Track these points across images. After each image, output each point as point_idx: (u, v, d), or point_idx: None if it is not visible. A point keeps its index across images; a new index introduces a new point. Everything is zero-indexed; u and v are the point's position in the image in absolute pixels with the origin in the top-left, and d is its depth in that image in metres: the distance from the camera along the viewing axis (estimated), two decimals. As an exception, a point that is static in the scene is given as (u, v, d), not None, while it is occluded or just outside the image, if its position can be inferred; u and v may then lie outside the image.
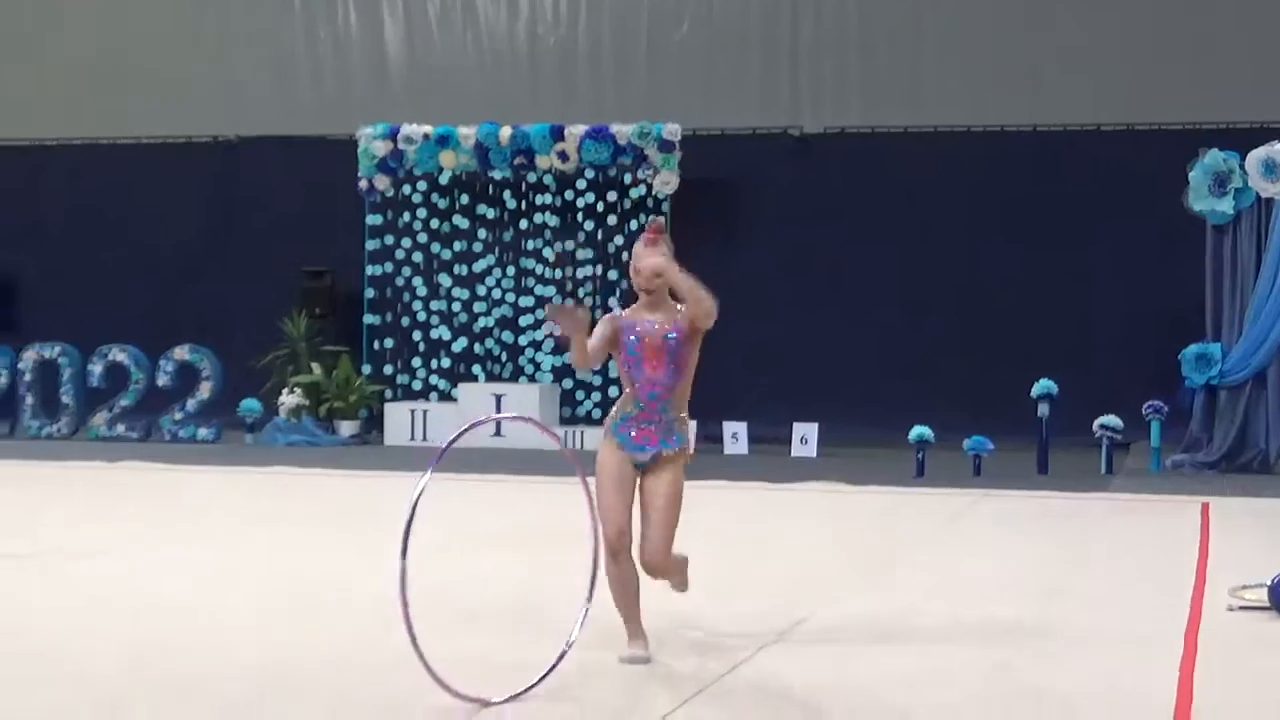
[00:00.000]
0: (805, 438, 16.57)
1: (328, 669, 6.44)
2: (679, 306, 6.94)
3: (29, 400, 18.82)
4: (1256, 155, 15.07)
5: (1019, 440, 15.25)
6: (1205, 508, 12.08)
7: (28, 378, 18.78)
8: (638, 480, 6.76)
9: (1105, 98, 18.54)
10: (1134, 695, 6.16)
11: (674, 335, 6.88)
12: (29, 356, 18.80)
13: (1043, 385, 15.10)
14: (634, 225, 18.27)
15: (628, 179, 18.33)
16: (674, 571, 7.10)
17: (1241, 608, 7.75)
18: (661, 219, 6.35)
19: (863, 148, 18.26)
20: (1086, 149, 17.49)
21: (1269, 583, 7.68)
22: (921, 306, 17.55)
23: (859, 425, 16.57)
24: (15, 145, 20.53)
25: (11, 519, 11.54)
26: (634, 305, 6.98)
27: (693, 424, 7.34)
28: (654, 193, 18.14)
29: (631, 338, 6.82)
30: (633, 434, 6.78)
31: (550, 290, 18.56)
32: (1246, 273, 15.23)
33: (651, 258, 6.95)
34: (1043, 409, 15.08)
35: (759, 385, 17.41)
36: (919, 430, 14.80)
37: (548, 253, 18.66)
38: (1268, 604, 7.62)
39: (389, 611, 5.81)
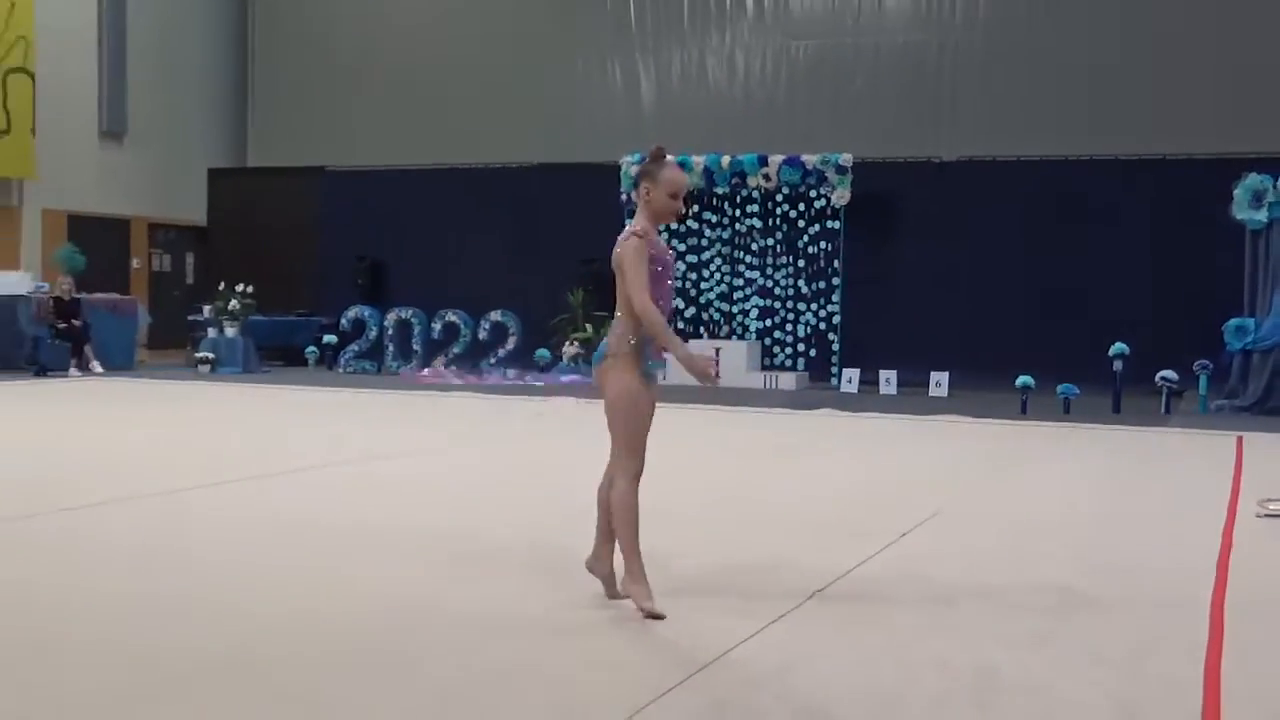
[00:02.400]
0: (939, 382, 16.40)
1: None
2: None
3: (390, 347, 19.34)
4: None
5: (1098, 387, 14.99)
6: (1240, 440, 11.82)
7: (390, 332, 19.30)
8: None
9: (1170, 132, 18.18)
10: (1184, 567, 6.16)
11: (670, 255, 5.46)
12: (391, 317, 19.33)
13: (1118, 347, 14.94)
14: (817, 228, 18.21)
15: (813, 194, 18.22)
16: None
17: (1265, 515, 7.63)
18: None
19: (984, 171, 18.02)
20: (1154, 172, 17.10)
21: None
22: (1027, 288, 17.31)
23: (979, 374, 16.37)
24: (386, 169, 21.07)
25: (381, 427, 11.96)
26: (646, 227, 5.30)
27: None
28: (832, 204, 18.02)
29: (659, 268, 5.28)
30: (656, 356, 5.34)
31: (755, 275, 18.58)
32: (1276, 266, 15.00)
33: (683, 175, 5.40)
34: (1117, 364, 14.90)
35: (906, 343, 17.21)
36: (1023, 378, 14.63)
37: (754, 247, 18.67)
38: (1287, 514, 7.51)
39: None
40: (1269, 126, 17.66)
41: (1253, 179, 14.95)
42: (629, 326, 5.22)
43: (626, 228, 5.31)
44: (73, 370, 17.76)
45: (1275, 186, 14.81)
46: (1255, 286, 15.10)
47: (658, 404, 5.32)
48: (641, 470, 5.20)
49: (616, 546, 5.22)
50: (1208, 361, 14.98)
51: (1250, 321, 14.95)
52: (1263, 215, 14.93)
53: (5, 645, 4.58)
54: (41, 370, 17.58)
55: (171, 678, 4.23)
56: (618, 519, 5.15)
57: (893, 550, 6.54)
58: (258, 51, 25.03)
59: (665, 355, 5.43)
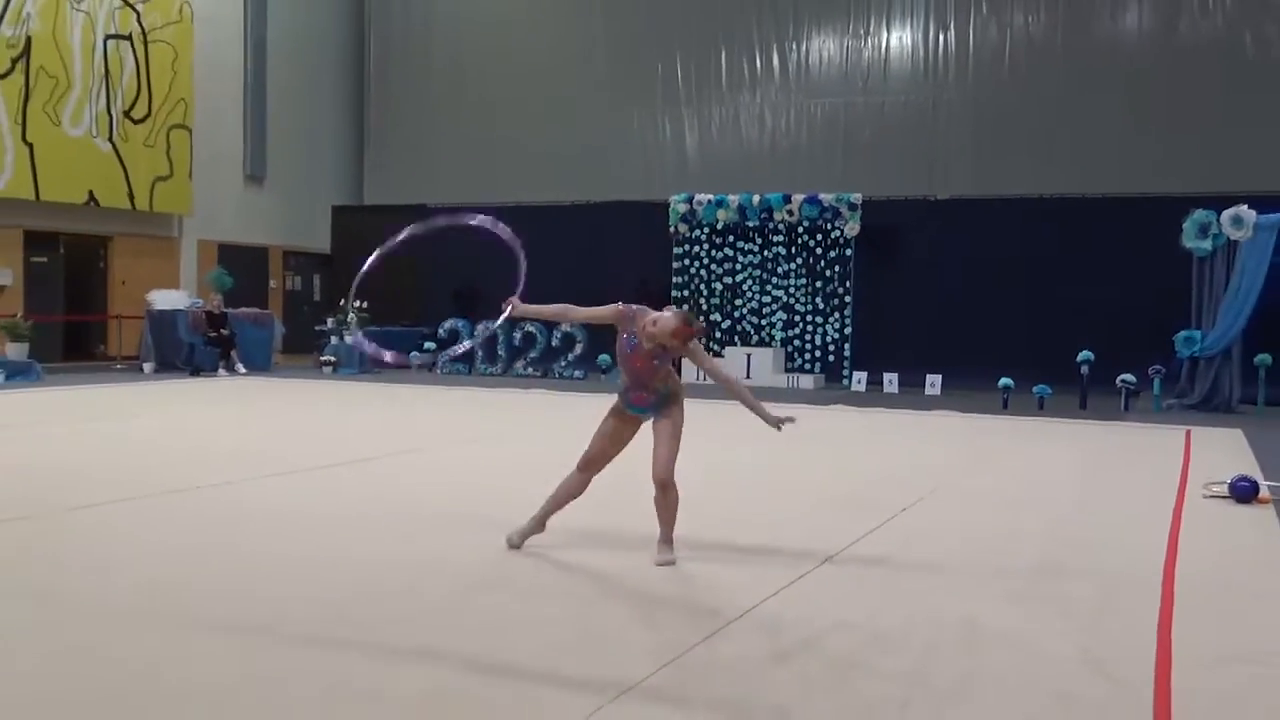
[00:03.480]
0: (934, 383, 16.27)
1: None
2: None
3: (479, 353, 19.43)
4: (1227, 213, 14.57)
5: (1068, 388, 14.83)
6: (1188, 433, 11.65)
7: (479, 340, 19.36)
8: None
9: (1128, 175, 18.02)
10: (1140, 539, 6.09)
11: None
12: (479, 327, 19.38)
13: (1084, 354, 14.79)
14: (832, 255, 18.14)
15: (829, 227, 18.14)
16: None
17: (1210, 496, 7.53)
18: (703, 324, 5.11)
19: (971, 207, 17.85)
20: (1115, 208, 16.90)
21: (1228, 481, 7.49)
22: (1008, 303, 17.11)
23: (967, 376, 16.21)
24: (476, 205, 21.19)
25: (471, 419, 12.00)
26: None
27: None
28: (844, 235, 17.93)
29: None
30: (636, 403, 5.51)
31: (780, 293, 18.53)
32: (1218, 287, 14.71)
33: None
34: (1084, 368, 14.74)
35: (906, 350, 17.12)
36: (1005, 380, 14.50)
37: (780, 270, 18.60)
38: (1227, 494, 7.40)
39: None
40: (1212, 171, 17.43)
41: (1199, 214, 14.74)
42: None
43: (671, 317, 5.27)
44: (221, 371, 17.97)
45: (1217, 221, 14.60)
46: (1201, 304, 14.89)
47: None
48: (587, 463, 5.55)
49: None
50: (1161, 366, 14.79)
51: (1197, 333, 14.73)
52: (1207, 244, 14.70)
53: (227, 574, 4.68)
54: (196, 370, 17.81)
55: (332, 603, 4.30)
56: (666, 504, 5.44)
57: (895, 522, 6.52)
58: (371, 108, 25.26)
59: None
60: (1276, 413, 14.28)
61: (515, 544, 5.55)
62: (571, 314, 5.59)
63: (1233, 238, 14.55)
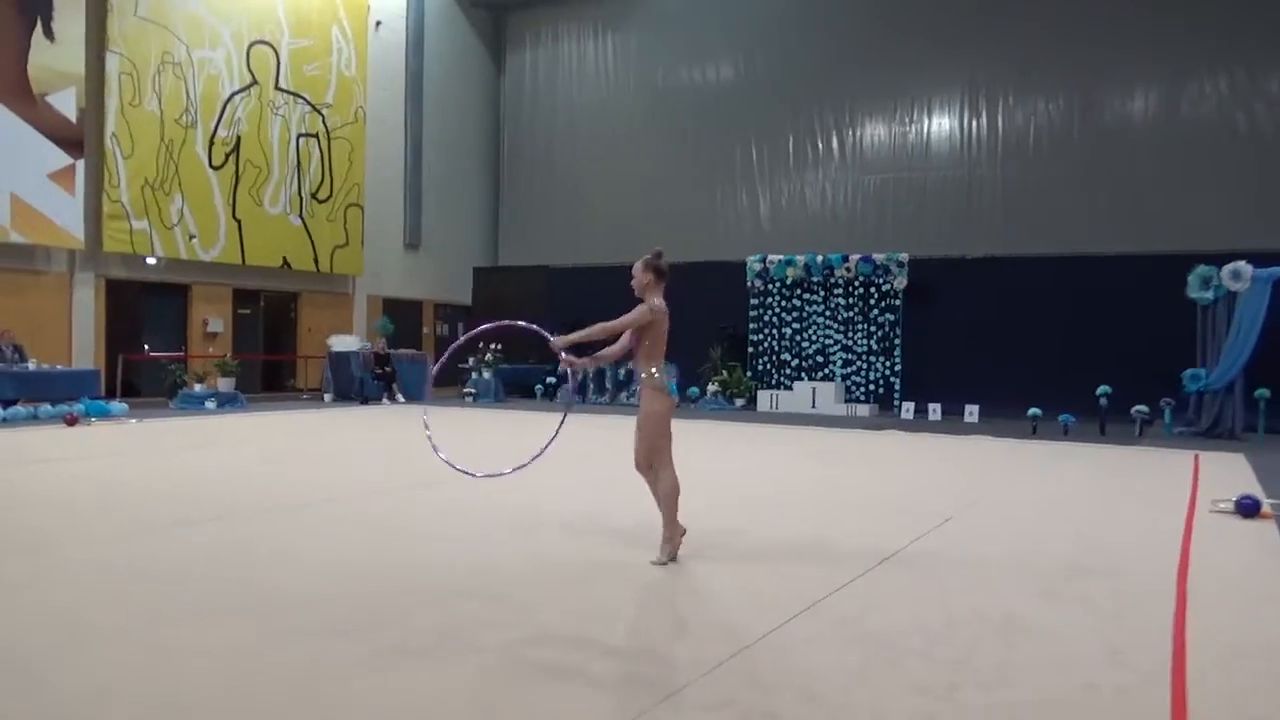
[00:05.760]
0: (972, 412, 15.85)
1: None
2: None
3: (591, 385, 19.48)
4: (1227, 268, 14.07)
5: (1089, 417, 14.36)
6: (1196, 457, 11.19)
7: (590, 374, 19.40)
8: None
9: (1140, 234, 17.46)
10: (1156, 547, 5.82)
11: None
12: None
13: (1103, 388, 14.29)
14: (884, 304, 17.88)
15: (880, 281, 17.90)
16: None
17: (1217, 511, 7.21)
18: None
19: (1003, 264, 17.41)
20: (1128, 263, 16.34)
21: (1234, 499, 7.16)
22: (1037, 346, 16.63)
23: (1001, 406, 15.78)
24: (589, 266, 21.42)
25: (580, 443, 12.04)
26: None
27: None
28: (894, 288, 17.68)
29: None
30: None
31: (840, 336, 18.30)
32: (1220, 332, 14.16)
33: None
34: (1103, 400, 14.21)
35: (947, 384, 16.75)
36: (1033, 409, 14.07)
37: (840, 318, 18.37)
38: (1233, 510, 7.07)
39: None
40: (1212, 230, 16.80)
41: (1202, 269, 14.25)
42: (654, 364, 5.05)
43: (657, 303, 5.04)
44: (385, 400, 18.36)
45: (1218, 274, 14.08)
46: (1205, 346, 14.35)
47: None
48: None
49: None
50: (1171, 399, 14.26)
51: (1202, 371, 14.18)
52: (1210, 295, 14.18)
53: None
54: (365, 400, 18.21)
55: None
56: (670, 494, 5.08)
57: (941, 530, 6.35)
58: (505, 186, 25.71)
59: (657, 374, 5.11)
60: (1276, 440, 13.61)
61: (664, 560, 5.05)
62: (610, 327, 5.00)
63: (1232, 289, 14.02)
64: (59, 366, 15.00)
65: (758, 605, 4.45)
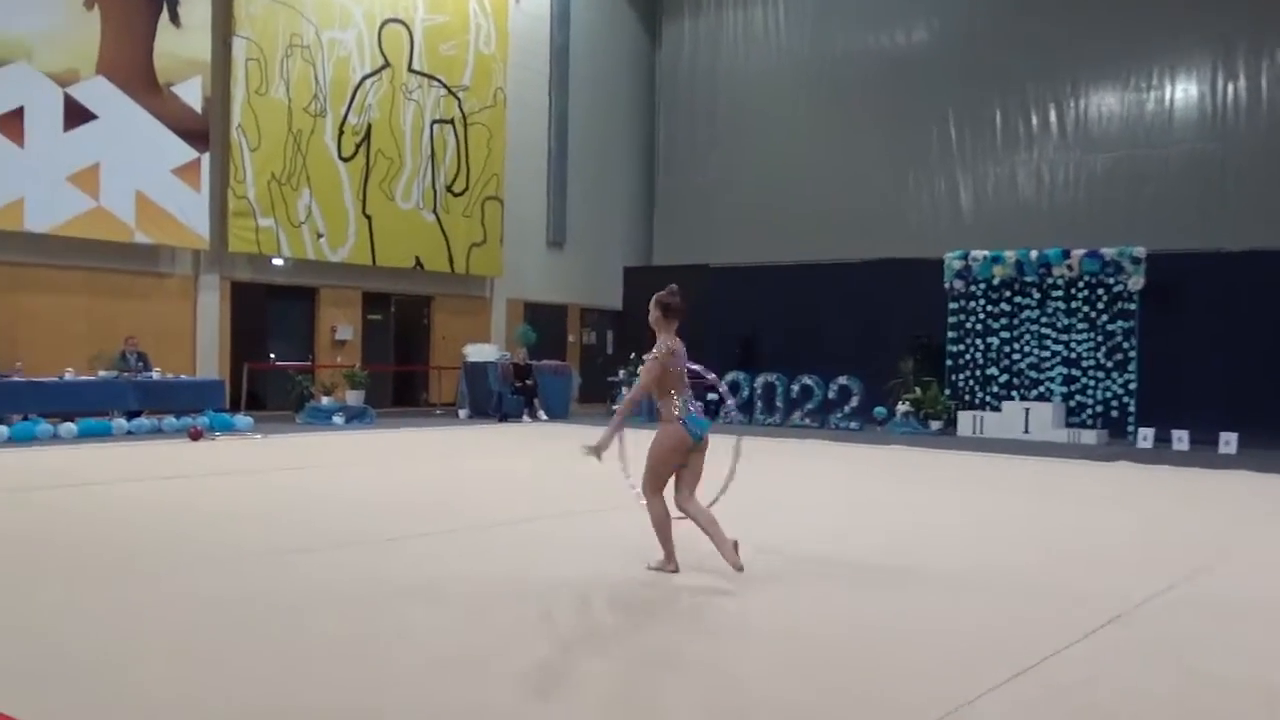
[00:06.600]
0: (1228, 441, 15.02)
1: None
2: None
3: (759, 403, 19.53)
4: None
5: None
6: None
7: (759, 391, 19.51)
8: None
9: None
10: None
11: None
12: (760, 380, 19.55)
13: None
14: (1115, 309, 17.21)
15: (1111, 281, 17.21)
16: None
17: None
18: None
19: (1269, 259, 16.38)
20: None
21: None
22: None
23: (1267, 435, 14.93)
24: (755, 265, 21.44)
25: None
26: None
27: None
28: (1128, 289, 16.97)
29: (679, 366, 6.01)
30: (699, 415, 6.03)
31: (1060, 348, 17.68)
32: None
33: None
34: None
35: (1196, 407, 15.95)
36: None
37: (1059, 325, 17.75)
38: None
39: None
40: None
41: None
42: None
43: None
44: (525, 418, 18.88)
45: None
46: None
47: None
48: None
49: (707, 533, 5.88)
50: None
51: None
52: None
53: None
54: (504, 417, 18.77)
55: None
56: (657, 523, 5.93)
57: (1183, 587, 6.06)
58: (660, 176, 26.03)
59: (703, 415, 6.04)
60: None
61: (740, 567, 5.73)
62: (633, 398, 5.95)
63: None
64: (183, 376, 16.16)
65: (983, 659, 4.39)
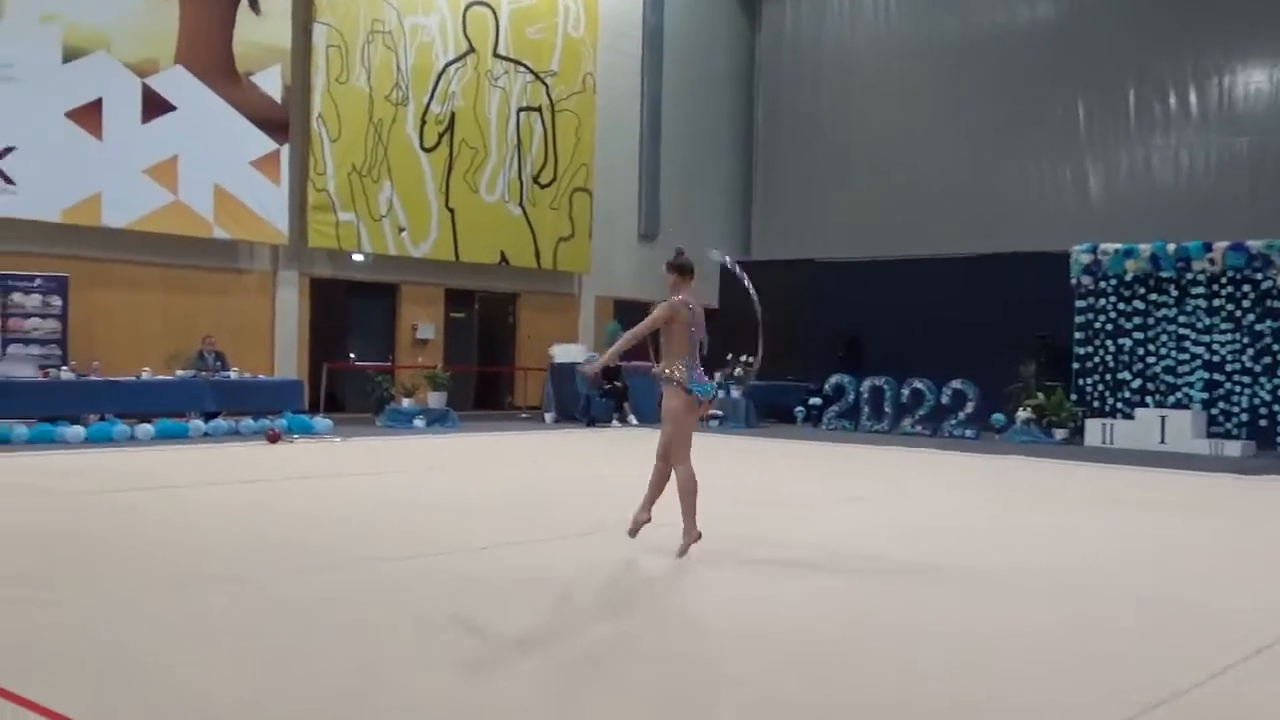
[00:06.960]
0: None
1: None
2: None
3: (865, 409, 19.32)
4: None
5: None
6: None
7: (865, 395, 19.30)
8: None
9: None
10: None
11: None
12: (866, 384, 19.33)
13: None
14: (1263, 307, 16.64)
15: (1259, 277, 16.66)
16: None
17: None
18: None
19: None
20: None
21: None
22: None
23: None
24: (863, 260, 21.24)
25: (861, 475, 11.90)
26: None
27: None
28: (1277, 285, 16.39)
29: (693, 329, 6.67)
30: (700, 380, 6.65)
31: (1201, 350, 17.14)
32: None
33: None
34: None
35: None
36: None
37: (1200, 324, 17.23)
38: None
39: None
40: None
41: None
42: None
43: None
44: (614, 422, 18.93)
45: None
46: None
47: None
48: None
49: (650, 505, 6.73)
50: None
51: None
52: None
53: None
54: (592, 421, 18.85)
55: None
56: (686, 489, 6.51)
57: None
58: (759, 165, 25.95)
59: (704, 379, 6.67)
60: None
61: (680, 555, 6.48)
62: (636, 332, 6.55)
63: None
64: (261, 376, 16.57)
65: (1110, 691, 4.27)
